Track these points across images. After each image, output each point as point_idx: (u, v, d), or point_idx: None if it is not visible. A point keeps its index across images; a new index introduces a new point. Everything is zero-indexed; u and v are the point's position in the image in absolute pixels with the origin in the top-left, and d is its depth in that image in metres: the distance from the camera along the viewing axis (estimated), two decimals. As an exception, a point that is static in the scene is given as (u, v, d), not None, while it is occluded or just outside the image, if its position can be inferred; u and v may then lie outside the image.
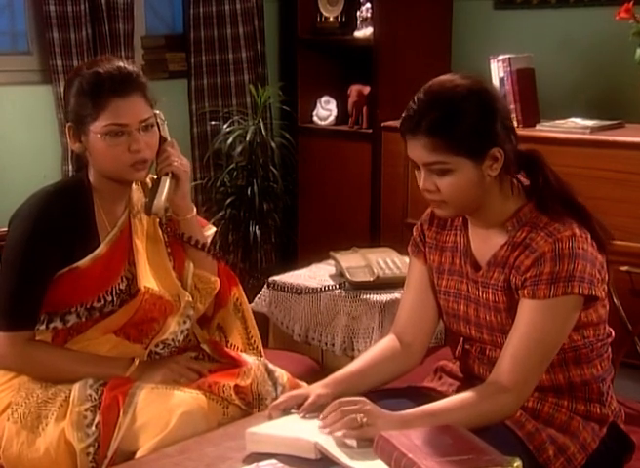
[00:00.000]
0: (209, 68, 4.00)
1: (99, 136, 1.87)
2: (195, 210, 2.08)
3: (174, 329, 1.97)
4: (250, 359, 2.00)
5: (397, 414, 1.62)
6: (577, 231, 1.65)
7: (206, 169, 4.01)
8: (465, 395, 1.66)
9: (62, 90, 1.98)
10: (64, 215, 1.89)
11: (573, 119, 3.44)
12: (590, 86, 3.68)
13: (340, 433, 1.57)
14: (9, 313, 1.89)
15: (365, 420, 1.56)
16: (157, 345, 1.96)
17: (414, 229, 1.89)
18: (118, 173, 1.91)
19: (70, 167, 2.09)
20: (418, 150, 1.66)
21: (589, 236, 1.68)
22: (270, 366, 2.01)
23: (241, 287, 2.14)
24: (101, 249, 1.92)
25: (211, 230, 2.15)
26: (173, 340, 1.97)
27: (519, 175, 1.75)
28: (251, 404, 1.89)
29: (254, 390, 1.90)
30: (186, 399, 1.81)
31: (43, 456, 1.80)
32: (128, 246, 1.97)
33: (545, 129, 3.35)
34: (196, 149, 4.00)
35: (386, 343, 1.88)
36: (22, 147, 3.44)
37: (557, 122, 3.41)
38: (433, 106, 1.65)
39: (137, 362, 1.91)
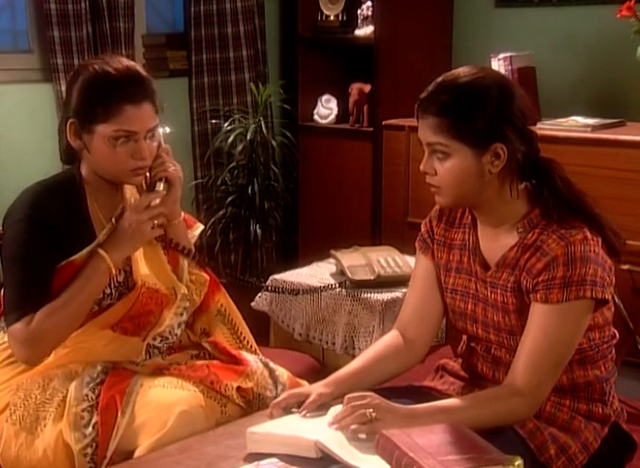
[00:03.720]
0: (210, 67, 4.00)
1: (105, 139, 1.87)
2: (182, 215, 2.09)
3: (170, 321, 1.97)
4: (250, 358, 2.00)
5: (407, 409, 1.61)
6: (588, 234, 1.65)
7: (207, 167, 4.01)
8: (479, 395, 1.66)
9: (65, 84, 1.97)
10: (58, 210, 1.89)
11: (574, 117, 3.44)
12: (591, 84, 3.68)
13: (351, 427, 1.57)
14: (20, 304, 1.88)
15: (374, 415, 1.57)
16: (155, 338, 1.96)
17: (422, 225, 1.89)
18: (117, 175, 1.93)
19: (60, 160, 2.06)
20: (423, 130, 1.69)
21: (600, 240, 1.67)
22: (271, 364, 2.01)
23: (225, 291, 2.15)
24: (98, 242, 1.93)
25: (198, 229, 2.15)
26: (170, 333, 1.98)
27: (529, 183, 1.73)
28: (251, 402, 1.89)
29: (255, 391, 1.90)
30: (184, 397, 1.81)
31: (42, 458, 1.80)
32: None
33: (546, 127, 3.35)
34: (197, 148, 4.00)
35: (389, 340, 1.87)
36: (23, 145, 3.44)
37: (558, 120, 3.41)
38: (447, 89, 1.67)
39: (102, 252, 1.90)
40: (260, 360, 2.02)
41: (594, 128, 3.32)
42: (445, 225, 1.84)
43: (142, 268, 1.97)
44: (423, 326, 1.85)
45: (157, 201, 1.93)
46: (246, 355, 2.01)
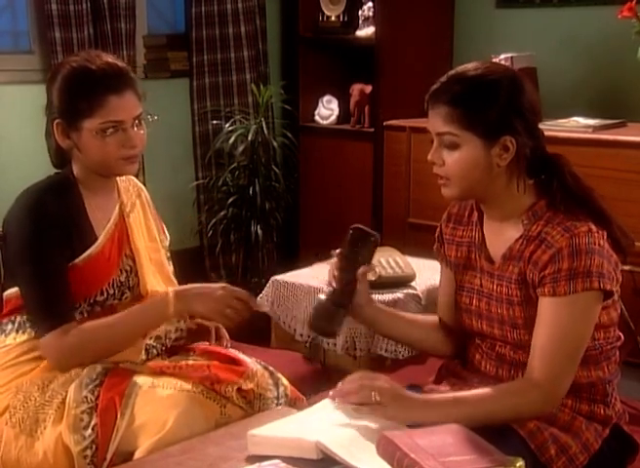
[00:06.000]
0: (211, 67, 4.01)
1: (94, 133, 1.88)
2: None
3: (167, 326, 1.99)
4: (248, 359, 2.00)
5: (416, 399, 1.62)
6: (593, 227, 1.65)
7: (208, 168, 4.02)
8: (495, 388, 1.67)
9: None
10: (59, 212, 1.89)
11: (575, 118, 3.44)
12: (593, 85, 3.68)
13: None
14: (47, 314, 1.87)
15: (378, 399, 1.57)
16: (150, 337, 1.97)
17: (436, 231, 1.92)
18: (110, 167, 1.93)
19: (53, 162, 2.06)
20: (434, 120, 1.70)
21: (605, 234, 1.68)
22: (270, 368, 2.01)
23: None
24: (100, 242, 1.94)
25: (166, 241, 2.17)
26: (165, 336, 1.99)
27: (538, 179, 1.74)
28: (252, 403, 1.89)
29: (256, 392, 1.90)
30: (183, 398, 1.80)
31: (42, 461, 1.79)
32: (122, 239, 1.99)
33: (547, 128, 3.32)
34: (198, 148, 4.00)
35: (429, 316, 1.96)
36: (25, 146, 3.44)
37: (559, 121, 3.41)
38: (459, 80, 1.69)
39: (171, 295, 1.88)
40: (259, 363, 2.02)
41: (595, 128, 3.32)
42: (453, 224, 1.87)
43: (150, 278, 1.99)
44: (454, 320, 1.88)
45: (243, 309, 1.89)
46: (243, 356, 2.01)
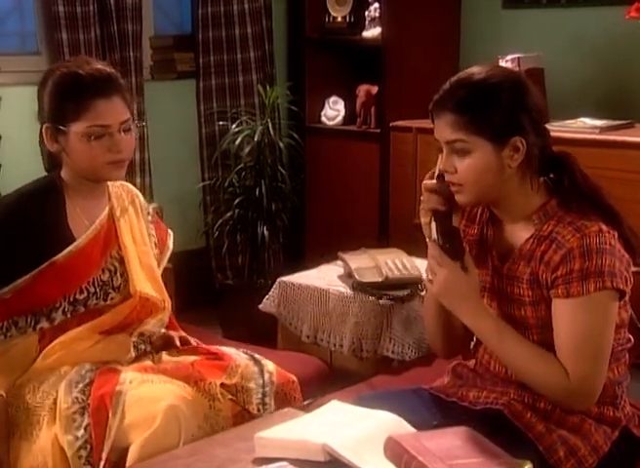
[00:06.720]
0: (217, 68, 4.01)
1: (80, 136, 1.90)
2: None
3: (152, 327, 2.05)
4: (232, 351, 2.01)
5: (473, 301, 1.71)
6: (604, 227, 1.66)
7: (214, 169, 4.02)
8: (542, 350, 1.68)
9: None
10: (35, 214, 1.92)
11: (582, 119, 3.43)
12: (600, 85, 3.67)
13: None
14: None
15: (429, 282, 1.74)
16: (135, 335, 2.02)
17: None
18: (96, 172, 1.95)
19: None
20: (442, 128, 1.69)
21: (617, 234, 1.68)
22: (256, 355, 2.04)
23: None
24: (79, 243, 1.96)
25: (169, 251, 2.18)
26: (150, 336, 2.05)
27: (547, 177, 1.75)
28: (236, 396, 1.92)
29: (239, 384, 1.93)
30: (172, 390, 1.83)
31: (41, 463, 1.79)
32: (110, 240, 2.01)
33: (554, 129, 3.30)
34: (204, 149, 4.00)
35: None
36: (30, 147, 3.43)
37: (566, 122, 3.40)
38: (463, 86, 1.69)
39: None
40: (245, 352, 2.04)
41: (602, 129, 3.31)
42: (466, 222, 1.87)
43: (139, 278, 2.01)
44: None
45: None
46: (226, 349, 2.04)
